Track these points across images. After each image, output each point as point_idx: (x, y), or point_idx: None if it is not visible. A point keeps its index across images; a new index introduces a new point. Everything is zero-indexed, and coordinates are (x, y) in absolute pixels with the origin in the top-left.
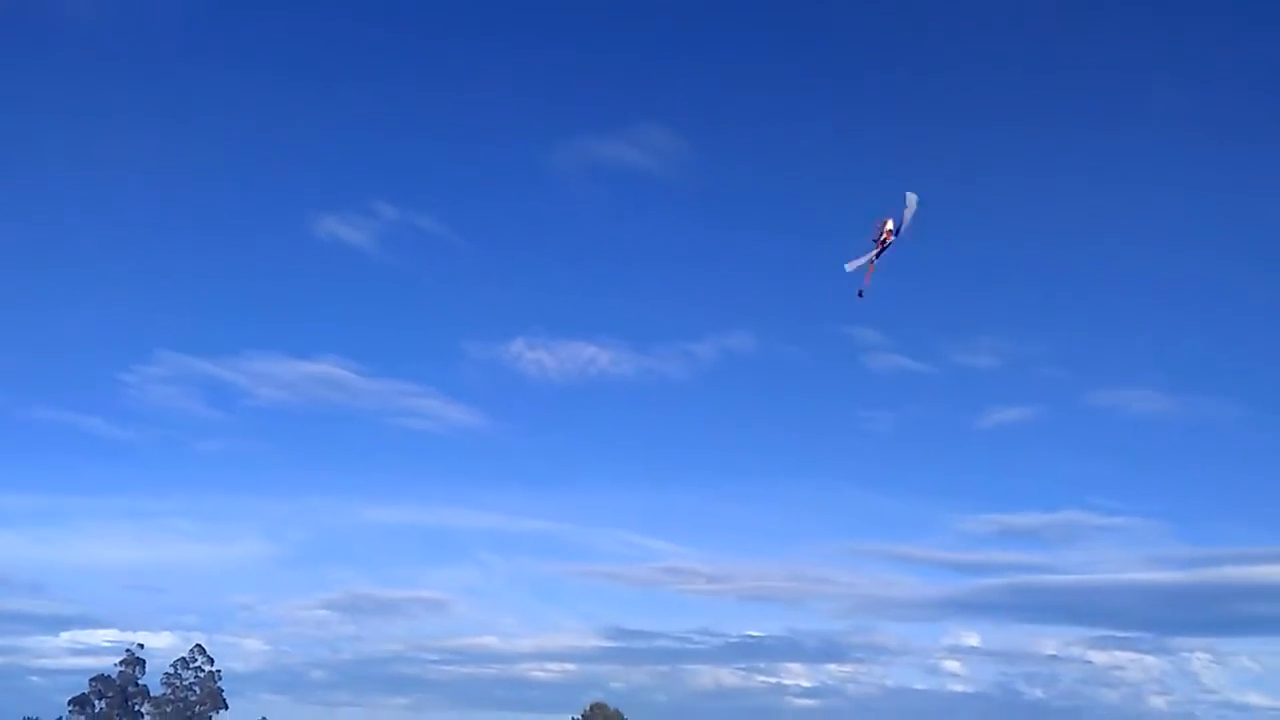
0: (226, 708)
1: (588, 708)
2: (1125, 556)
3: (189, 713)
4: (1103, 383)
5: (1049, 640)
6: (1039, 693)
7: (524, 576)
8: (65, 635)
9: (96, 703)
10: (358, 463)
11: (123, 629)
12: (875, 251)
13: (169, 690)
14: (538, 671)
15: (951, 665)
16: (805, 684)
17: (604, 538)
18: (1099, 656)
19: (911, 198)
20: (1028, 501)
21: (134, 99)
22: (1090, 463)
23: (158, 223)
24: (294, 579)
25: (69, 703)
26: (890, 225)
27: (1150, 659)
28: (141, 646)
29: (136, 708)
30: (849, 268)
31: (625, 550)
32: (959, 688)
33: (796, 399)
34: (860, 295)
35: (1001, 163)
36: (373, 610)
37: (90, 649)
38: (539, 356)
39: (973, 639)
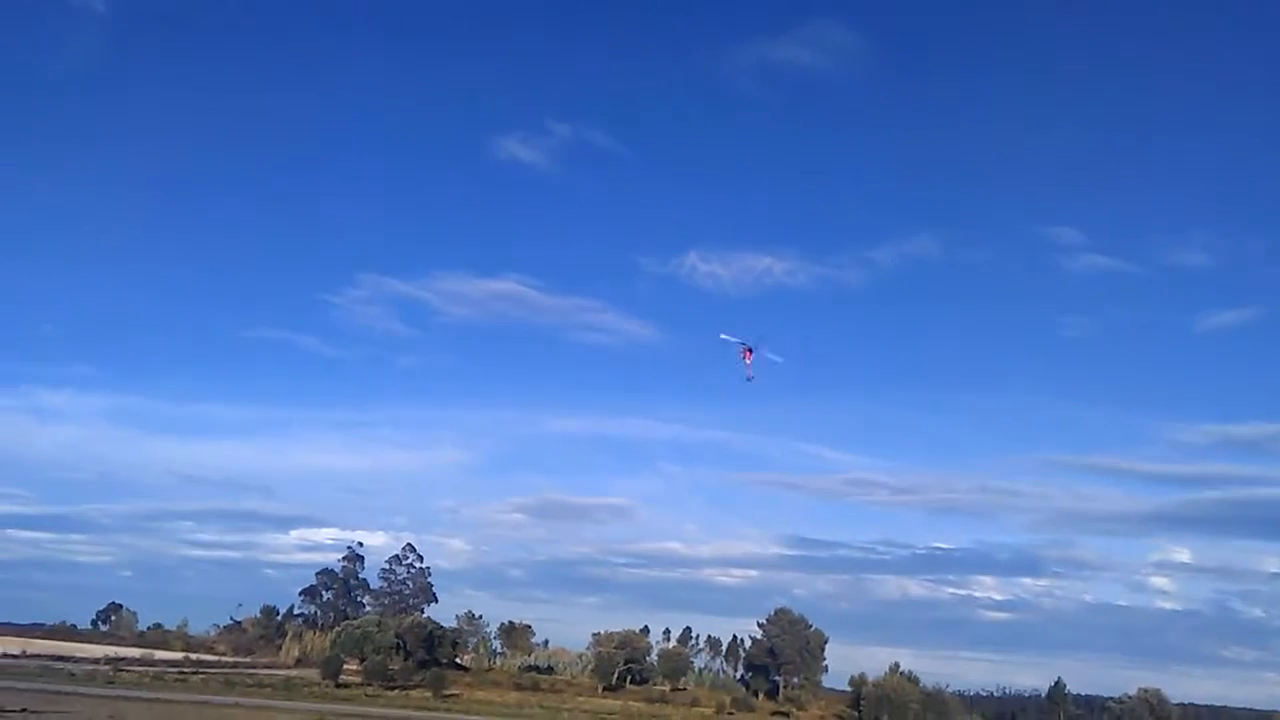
0: (436, 601)
1: (772, 612)
2: None
3: (403, 605)
4: None
5: (1271, 557)
6: (1258, 611)
7: (703, 485)
8: (293, 533)
9: (324, 593)
10: (542, 376)
11: (342, 528)
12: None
13: (385, 584)
14: (721, 577)
15: (1159, 582)
16: (997, 597)
17: (782, 448)
18: None
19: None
20: (1250, 411)
21: (330, 53)
22: None
23: (346, 152)
24: (489, 484)
25: (300, 593)
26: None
27: None
28: (360, 544)
29: (358, 599)
30: (723, 337)
31: (804, 461)
32: (1168, 605)
33: (984, 305)
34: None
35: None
36: (562, 515)
37: (315, 545)
38: (712, 269)
39: (1183, 555)
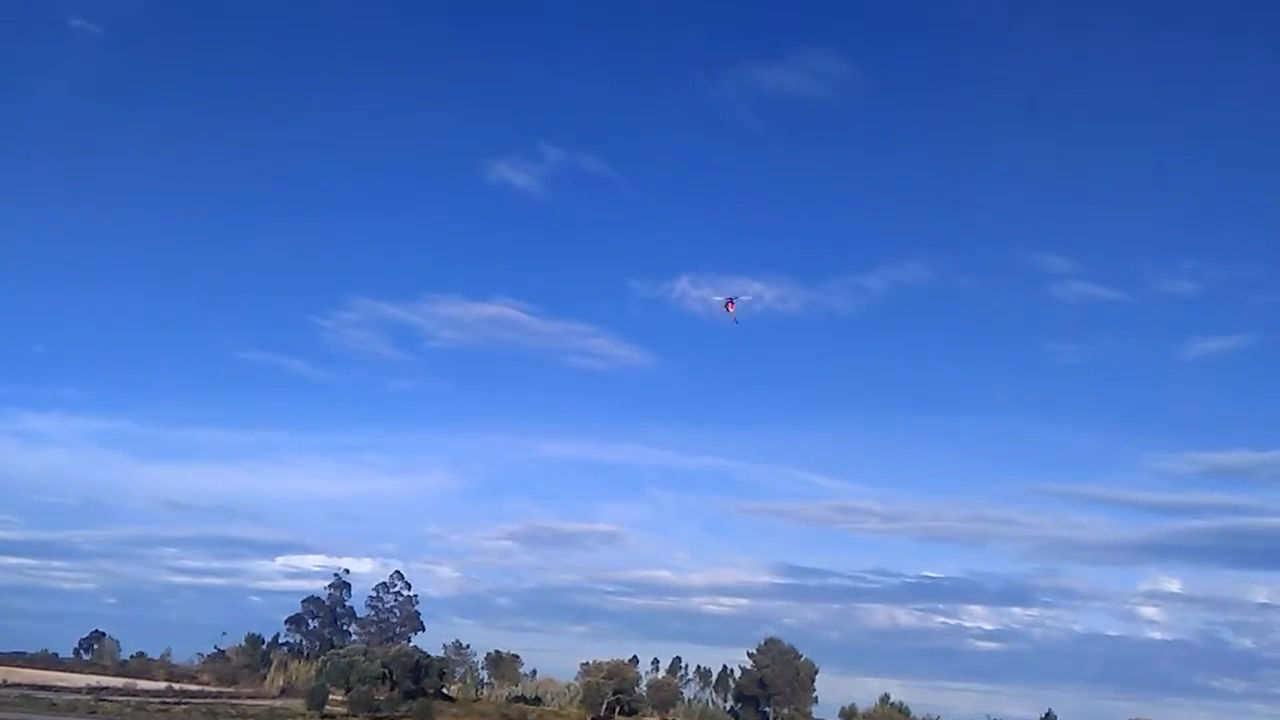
0: (424, 629)
1: (762, 642)
2: None
3: (390, 633)
4: None
5: (1261, 588)
6: (1248, 642)
7: (694, 512)
8: (280, 560)
9: (309, 621)
10: (533, 400)
11: (329, 555)
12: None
13: (372, 612)
14: (711, 605)
15: (1149, 611)
16: (987, 626)
17: (772, 475)
18: None
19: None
20: (1237, 439)
21: (322, 72)
22: None
23: (339, 176)
24: (478, 510)
25: (285, 621)
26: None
27: None
28: (347, 571)
29: (345, 627)
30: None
31: (795, 488)
32: (1157, 635)
33: (974, 332)
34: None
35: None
36: (552, 541)
37: (302, 572)
38: (704, 294)
39: (1173, 584)
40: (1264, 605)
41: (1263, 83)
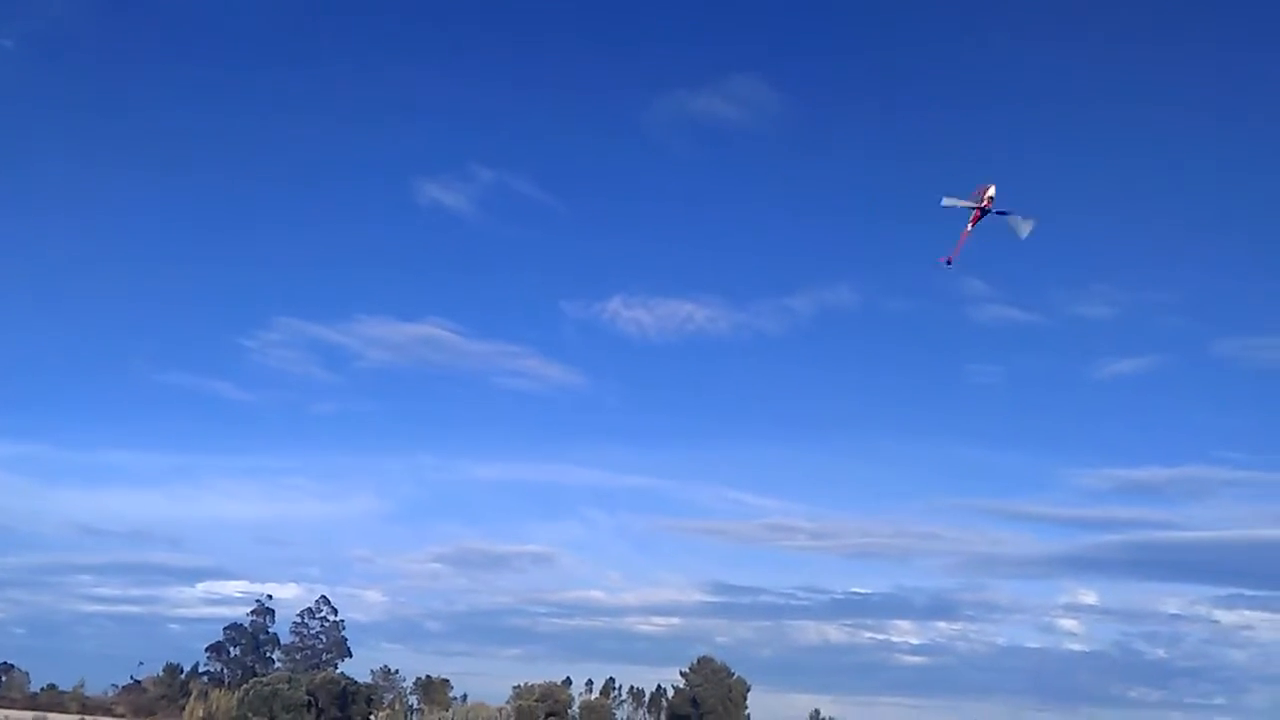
0: (351, 656)
1: (695, 661)
2: (1256, 512)
3: (316, 660)
4: (1229, 330)
5: (1172, 599)
6: (1161, 652)
7: (626, 532)
8: (200, 586)
9: (231, 649)
10: (463, 421)
11: (252, 580)
12: (972, 213)
13: (297, 639)
14: (644, 625)
15: (1068, 624)
16: (914, 641)
17: (703, 494)
18: (1226, 616)
19: (1027, 226)
20: (1148, 456)
21: (249, 84)
22: (1217, 415)
23: (264, 194)
24: (407, 533)
25: (206, 649)
26: (992, 193)
27: None
28: (270, 597)
29: (268, 654)
30: (946, 202)
31: (726, 506)
32: (1076, 646)
33: (899, 353)
34: (948, 263)
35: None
36: (482, 564)
37: (223, 599)
38: (636, 315)
39: (1090, 597)
40: (1175, 616)
41: (1184, 96)
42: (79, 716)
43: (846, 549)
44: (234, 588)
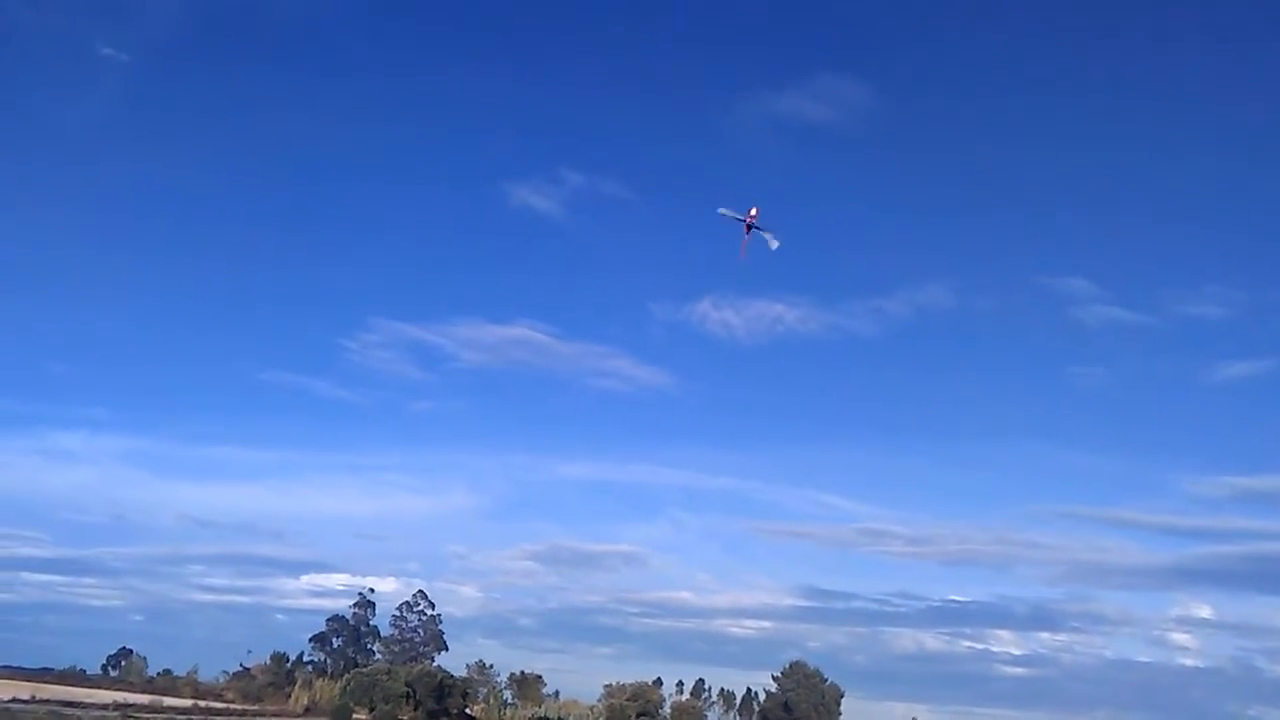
0: (447, 649)
1: (787, 665)
2: None
3: (414, 653)
4: None
5: None
6: None
7: (715, 533)
8: (304, 578)
9: (334, 640)
10: (553, 421)
11: (353, 574)
12: (745, 225)
13: (396, 631)
14: (734, 627)
15: (1180, 638)
16: (1015, 651)
17: (793, 497)
18: None
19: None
20: (1268, 463)
21: (348, 93)
22: None
23: (361, 200)
24: (500, 530)
25: (310, 640)
26: (755, 211)
27: None
28: (372, 590)
29: (369, 646)
30: (721, 212)
31: (816, 510)
32: (1190, 662)
33: (997, 355)
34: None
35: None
36: (573, 562)
37: (326, 591)
38: (725, 316)
39: (1204, 610)
40: None
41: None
42: (192, 701)
43: (943, 556)
44: (337, 581)
